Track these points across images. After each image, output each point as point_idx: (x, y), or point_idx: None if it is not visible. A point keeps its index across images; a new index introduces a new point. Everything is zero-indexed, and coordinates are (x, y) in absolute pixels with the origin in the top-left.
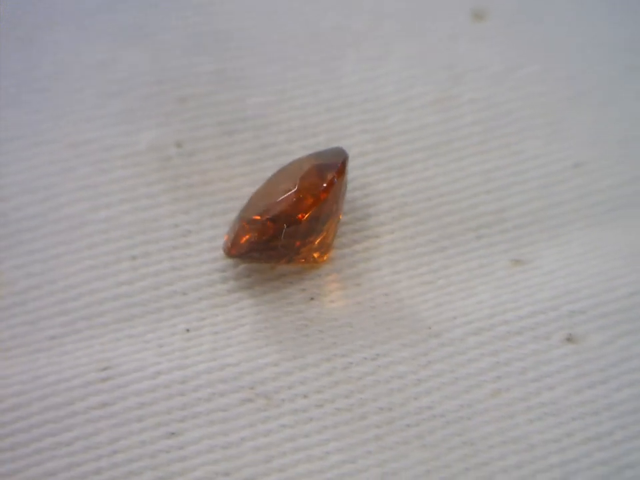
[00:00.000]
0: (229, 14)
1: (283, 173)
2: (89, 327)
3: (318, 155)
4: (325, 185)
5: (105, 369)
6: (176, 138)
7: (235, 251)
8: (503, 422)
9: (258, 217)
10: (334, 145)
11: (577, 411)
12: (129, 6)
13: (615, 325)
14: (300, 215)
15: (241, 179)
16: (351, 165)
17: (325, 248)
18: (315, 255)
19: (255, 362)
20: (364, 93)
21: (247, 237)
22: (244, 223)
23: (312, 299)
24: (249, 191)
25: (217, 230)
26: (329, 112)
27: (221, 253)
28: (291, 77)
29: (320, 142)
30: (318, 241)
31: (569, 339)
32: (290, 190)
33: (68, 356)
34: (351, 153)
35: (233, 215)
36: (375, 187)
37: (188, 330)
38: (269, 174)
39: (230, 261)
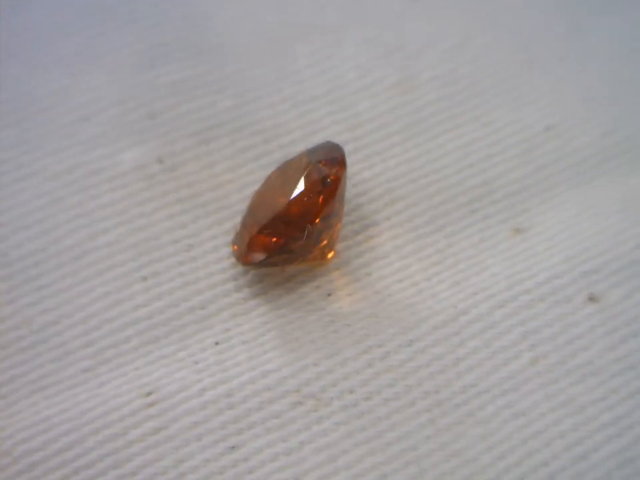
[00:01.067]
0: (180, 22)
1: (281, 173)
2: (117, 355)
3: (312, 151)
4: (330, 181)
5: (149, 393)
6: (156, 154)
7: (250, 258)
8: (547, 388)
9: (270, 222)
10: (311, 140)
11: (615, 368)
12: (77, 28)
13: (630, 279)
14: (314, 215)
15: (228, 186)
16: None
17: (331, 244)
18: (325, 251)
19: (295, 364)
20: (326, 84)
21: (263, 243)
22: (255, 229)
23: (329, 294)
24: (238, 197)
25: (217, 240)
26: (296, 108)
27: (227, 262)
28: (251, 77)
29: (296, 139)
30: (328, 238)
31: (591, 299)
32: (295, 191)
33: (107, 386)
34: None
35: (228, 225)
36: (360, 176)
37: (217, 343)
38: (253, 177)
39: (238, 270)
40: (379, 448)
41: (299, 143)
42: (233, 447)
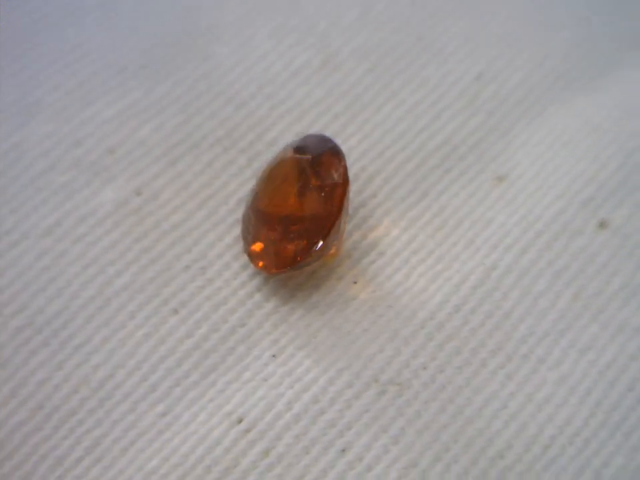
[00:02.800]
0: (110, 43)
1: (277, 174)
2: (186, 391)
3: (300, 148)
4: (339, 173)
5: (240, 420)
6: (132, 187)
7: (281, 266)
8: (599, 318)
9: (294, 227)
10: (265, 138)
11: None
12: (5, 76)
13: (628, 196)
14: (335, 211)
15: (211, 201)
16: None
17: (340, 236)
18: (335, 244)
19: (362, 356)
20: (257, 80)
21: (293, 249)
22: (278, 236)
23: (355, 282)
24: (226, 209)
25: (225, 256)
26: (240, 110)
27: (243, 275)
28: (187, 90)
29: (252, 140)
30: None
31: (601, 225)
32: (303, 189)
33: (194, 424)
34: (292, 137)
35: (228, 239)
36: None
37: (274, 355)
38: (231, 187)
39: (256, 280)
40: (473, 414)
41: (256, 143)
42: (343, 450)
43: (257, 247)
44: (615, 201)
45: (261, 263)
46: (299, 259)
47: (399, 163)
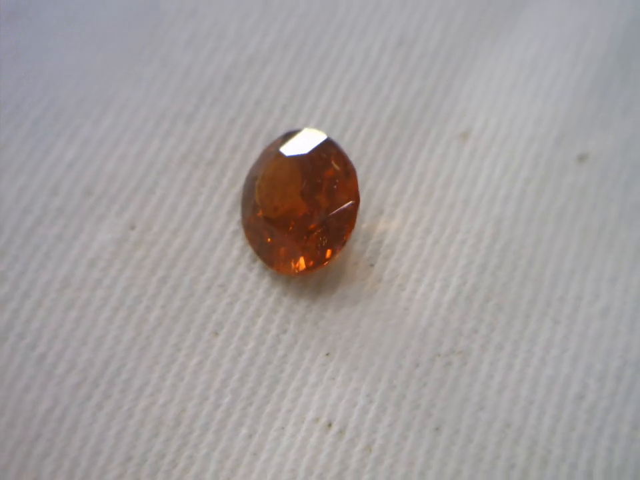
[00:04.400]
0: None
1: (278, 178)
2: (260, 408)
3: (287, 147)
4: (341, 161)
5: (329, 424)
6: (123, 222)
7: (315, 265)
8: (618, 239)
9: (316, 225)
10: (240, 142)
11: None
12: None
13: (598, 126)
14: (354, 198)
15: (204, 219)
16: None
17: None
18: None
19: (416, 334)
20: (204, 79)
21: (320, 245)
22: (303, 238)
23: (372, 265)
24: (221, 222)
25: (238, 269)
26: (190, 123)
27: (264, 283)
28: (129, 119)
29: (216, 150)
30: None
31: (581, 159)
32: (313, 186)
33: (286, 437)
34: (254, 130)
35: (236, 252)
36: None
37: (328, 354)
38: (216, 201)
39: (278, 285)
40: (539, 363)
41: (220, 152)
42: (437, 428)
43: (282, 252)
44: (584, 132)
45: (292, 266)
46: (330, 253)
47: (362, 142)
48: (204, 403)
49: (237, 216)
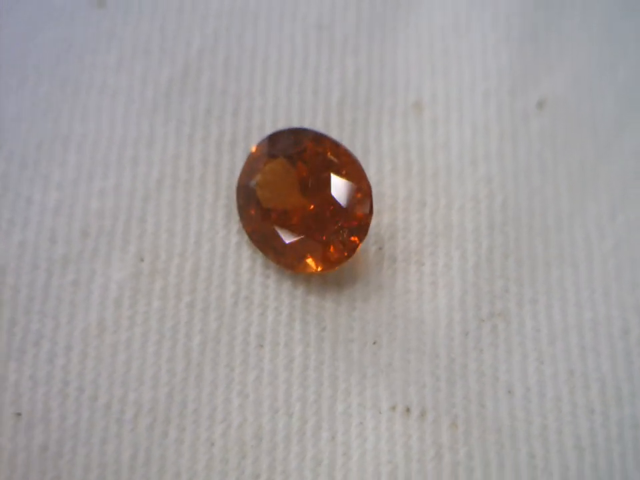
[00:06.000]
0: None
1: (278, 182)
2: (332, 407)
3: (278, 147)
4: (338, 152)
5: (407, 409)
6: (131, 257)
7: (348, 253)
8: (604, 177)
9: (337, 219)
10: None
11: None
12: None
13: (537, 66)
14: (367, 185)
15: (204, 237)
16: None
17: None
18: None
19: (453, 304)
20: (147, 99)
21: (341, 235)
22: (324, 234)
23: (380, 248)
24: (222, 235)
25: (257, 279)
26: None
27: (285, 287)
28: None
29: (194, 173)
30: None
31: (540, 105)
32: (320, 182)
33: (370, 431)
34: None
35: (246, 264)
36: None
37: (375, 342)
38: (208, 218)
39: (300, 286)
40: (572, 311)
41: (195, 165)
42: (510, 391)
43: (302, 252)
44: (532, 79)
45: (314, 264)
46: (357, 240)
47: (322, 131)
48: (276, 416)
49: (234, 226)
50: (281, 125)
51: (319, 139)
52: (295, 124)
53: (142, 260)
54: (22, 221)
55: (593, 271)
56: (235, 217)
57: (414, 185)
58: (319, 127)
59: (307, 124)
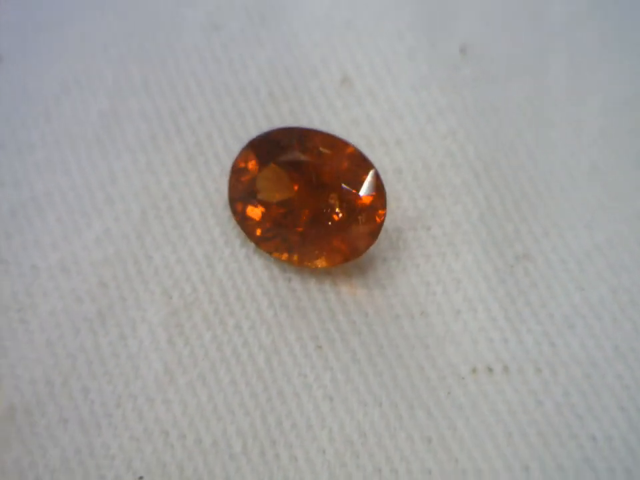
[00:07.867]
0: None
1: (279, 185)
2: (414, 388)
3: (268, 154)
4: (328, 141)
5: (504, 368)
6: (159, 294)
7: (373, 240)
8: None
9: (357, 204)
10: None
11: None
12: None
13: (446, 17)
14: (370, 168)
15: (215, 259)
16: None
17: None
18: None
19: (480, 256)
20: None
21: (363, 225)
22: (342, 226)
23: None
24: (224, 257)
25: (280, 284)
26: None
27: (311, 286)
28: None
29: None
30: None
31: (463, 51)
32: (317, 177)
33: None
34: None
35: (262, 274)
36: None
37: (422, 312)
38: (206, 240)
39: (326, 281)
40: (586, 241)
41: (169, 195)
42: (571, 326)
43: (328, 250)
44: (446, 28)
45: (342, 257)
46: (378, 221)
47: (263, 129)
48: (368, 408)
49: (235, 241)
50: (228, 133)
51: (306, 133)
52: (239, 128)
53: (170, 297)
54: (40, 290)
55: (581, 189)
56: (232, 231)
57: (382, 156)
58: (262, 125)
59: (251, 125)
